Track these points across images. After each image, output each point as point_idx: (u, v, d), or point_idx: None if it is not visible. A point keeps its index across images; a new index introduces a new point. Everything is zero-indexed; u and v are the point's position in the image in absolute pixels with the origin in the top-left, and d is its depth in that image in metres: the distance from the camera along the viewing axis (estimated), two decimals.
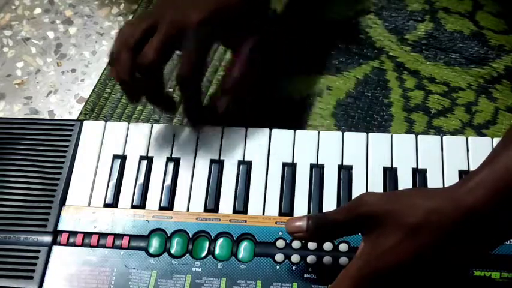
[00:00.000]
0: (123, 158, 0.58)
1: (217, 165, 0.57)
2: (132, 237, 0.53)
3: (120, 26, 0.73)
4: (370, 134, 0.57)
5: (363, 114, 0.64)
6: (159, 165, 0.57)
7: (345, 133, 0.58)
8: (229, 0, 0.55)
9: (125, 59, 0.54)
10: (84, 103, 0.67)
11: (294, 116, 0.64)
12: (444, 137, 0.57)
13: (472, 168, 0.54)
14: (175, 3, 0.56)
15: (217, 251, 0.52)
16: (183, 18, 0.54)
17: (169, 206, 0.55)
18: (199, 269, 0.51)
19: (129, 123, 0.60)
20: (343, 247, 0.51)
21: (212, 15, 0.54)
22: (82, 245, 0.53)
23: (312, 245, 0.52)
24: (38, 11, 0.75)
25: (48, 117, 0.67)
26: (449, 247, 0.42)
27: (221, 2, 0.55)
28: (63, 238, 0.53)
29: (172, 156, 0.58)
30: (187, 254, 0.52)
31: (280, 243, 0.52)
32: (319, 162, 0.56)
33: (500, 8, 0.70)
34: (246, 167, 0.56)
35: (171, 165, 0.57)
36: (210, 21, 0.54)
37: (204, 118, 0.59)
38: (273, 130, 0.58)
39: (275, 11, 0.68)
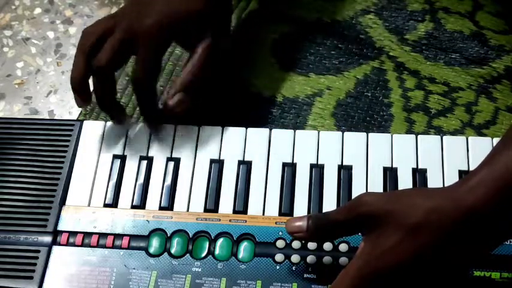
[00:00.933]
0: (123, 158, 0.58)
1: (217, 165, 0.57)
2: (132, 237, 0.53)
3: None
4: (370, 134, 0.57)
5: (363, 114, 0.64)
6: (159, 165, 0.57)
7: (345, 133, 0.58)
8: (183, 5, 0.56)
9: (78, 62, 0.56)
10: None
11: (296, 116, 0.64)
12: (444, 137, 0.57)
13: (472, 168, 0.53)
14: (132, 9, 0.57)
15: (217, 251, 0.52)
16: (137, 23, 0.55)
17: (169, 206, 0.55)
18: (199, 269, 0.51)
19: (128, 124, 0.60)
20: (343, 247, 0.51)
21: (166, 21, 0.55)
22: (82, 245, 0.53)
23: (312, 245, 0.52)
24: (38, 11, 0.75)
25: (48, 117, 0.67)
26: (450, 247, 0.42)
27: (173, 6, 0.56)
28: (63, 238, 0.53)
29: (172, 156, 0.58)
30: (187, 254, 0.52)
31: (280, 243, 0.52)
32: (319, 162, 0.56)
33: (500, 8, 0.70)
34: (246, 167, 0.56)
35: (171, 165, 0.57)
36: (163, 26, 0.55)
37: (160, 118, 0.59)
38: (273, 130, 0.58)
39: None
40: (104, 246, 0.53)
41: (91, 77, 0.56)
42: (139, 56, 0.55)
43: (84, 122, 0.60)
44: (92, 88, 0.57)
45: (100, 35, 0.56)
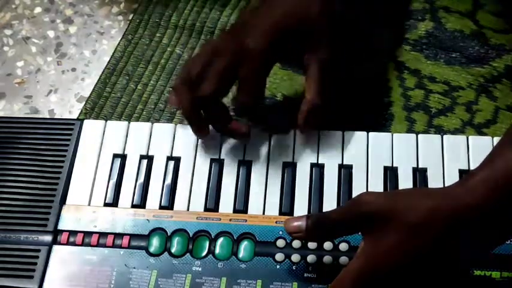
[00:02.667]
0: (123, 157, 0.58)
1: (218, 164, 0.57)
2: (133, 236, 0.53)
3: (121, 26, 0.73)
4: (370, 133, 0.57)
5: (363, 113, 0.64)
6: (159, 164, 0.57)
7: (345, 132, 0.58)
8: (288, 18, 0.54)
9: (184, 96, 0.54)
10: (84, 102, 0.67)
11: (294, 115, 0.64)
12: (444, 136, 0.57)
13: (472, 168, 0.54)
14: (237, 31, 0.55)
15: (217, 251, 0.52)
16: (240, 45, 0.53)
17: (170, 206, 0.55)
18: (200, 269, 0.51)
19: (129, 123, 0.60)
20: (343, 246, 0.51)
21: (268, 35, 0.53)
22: (82, 244, 0.53)
23: (312, 245, 0.52)
24: (38, 10, 0.75)
25: (48, 117, 0.67)
26: (450, 247, 0.42)
27: (278, 21, 0.54)
28: (63, 237, 0.53)
29: (173, 155, 0.58)
30: (188, 254, 0.52)
31: (280, 243, 0.52)
32: (320, 162, 0.56)
33: (500, 7, 0.70)
34: (246, 166, 0.56)
35: (171, 164, 0.57)
36: (265, 42, 0.53)
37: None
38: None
39: None
40: (104, 246, 0.53)
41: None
42: (244, 78, 0.54)
43: (85, 121, 0.60)
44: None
45: (204, 65, 0.54)
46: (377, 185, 0.55)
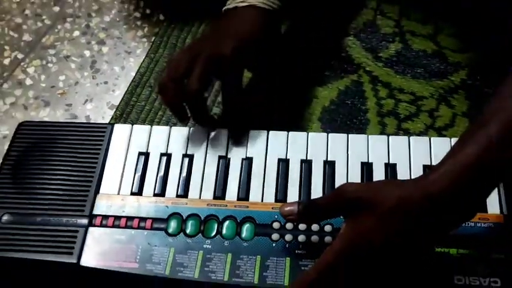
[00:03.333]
0: (146, 155, 0.58)
1: (224, 160, 0.57)
2: (154, 220, 0.53)
3: (144, 46, 0.73)
4: (350, 135, 0.57)
5: (344, 118, 0.64)
6: (176, 160, 0.57)
7: (329, 134, 0.57)
8: (251, 33, 0.56)
9: (173, 89, 0.54)
10: (114, 109, 0.67)
11: (288, 120, 0.64)
12: (411, 138, 0.57)
13: (434, 163, 0.53)
14: (210, 39, 0.56)
15: (224, 231, 0.52)
16: (219, 49, 0.54)
17: (185, 194, 0.55)
18: (210, 246, 0.51)
19: (151, 126, 0.60)
20: (328, 228, 0.51)
21: (241, 45, 0.55)
22: (113, 226, 0.53)
23: (302, 226, 0.52)
24: (76, 33, 0.75)
25: (85, 121, 0.67)
26: (417, 229, 0.42)
27: (245, 35, 0.56)
28: (97, 221, 0.53)
29: (187, 153, 0.57)
30: (200, 234, 0.52)
31: (276, 225, 0.52)
32: (308, 158, 0.56)
33: (457, 30, 0.70)
34: (248, 162, 0.56)
35: (186, 161, 0.57)
36: (240, 50, 0.55)
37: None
38: (270, 132, 0.58)
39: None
40: (131, 227, 0.53)
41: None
42: (228, 78, 0.55)
43: (115, 125, 0.60)
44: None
45: (187, 65, 0.54)
46: (355, 177, 0.55)
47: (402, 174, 0.54)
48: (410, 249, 0.43)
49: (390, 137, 0.57)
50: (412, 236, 0.42)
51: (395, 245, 0.43)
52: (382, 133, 0.62)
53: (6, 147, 0.60)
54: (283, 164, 0.56)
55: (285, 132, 0.58)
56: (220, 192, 0.55)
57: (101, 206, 0.54)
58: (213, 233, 0.52)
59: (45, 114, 0.68)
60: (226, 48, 0.54)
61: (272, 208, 0.53)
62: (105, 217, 0.53)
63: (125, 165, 0.57)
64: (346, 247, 0.43)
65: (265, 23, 0.57)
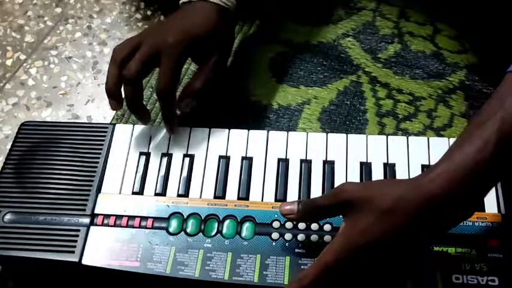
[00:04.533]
0: (147, 155, 0.58)
1: (225, 160, 0.57)
2: (155, 219, 0.53)
3: None
4: (349, 135, 0.57)
5: (343, 118, 0.64)
6: (177, 160, 0.57)
7: (329, 134, 0.57)
8: (199, 27, 0.56)
9: (112, 73, 0.55)
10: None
11: (288, 121, 0.64)
12: (409, 138, 0.57)
13: (432, 163, 0.53)
14: (156, 29, 0.57)
15: (224, 230, 0.52)
16: (161, 40, 0.55)
17: (186, 194, 0.55)
18: (210, 245, 0.51)
19: (152, 126, 0.60)
20: (327, 227, 0.51)
21: (184, 39, 0.55)
22: (114, 225, 0.53)
23: (301, 225, 0.52)
24: (78, 34, 0.75)
25: (86, 121, 0.67)
26: (414, 228, 0.42)
27: (190, 29, 0.56)
28: (99, 220, 0.53)
29: (188, 152, 0.58)
30: (200, 233, 0.52)
31: (275, 224, 0.52)
32: (308, 158, 0.56)
33: (455, 32, 0.70)
34: (248, 161, 0.56)
35: (187, 160, 0.57)
36: (182, 44, 0.55)
37: (177, 121, 0.59)
38: (270, 131, 0.58)
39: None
40: (132, 227, 0.53)
41: (122, 85, 0.56)
42: (163, 68, 0.55)
43: (116, 125, 0.60)
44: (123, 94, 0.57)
45: (129, 51, 0.56)
46: (354, 177, 0.55)
47: (401, 174, 0.54)
48: (408, 248, 0.43)
49: (389, 137, 0.57)
50: (410, 234, 0.42)
51: (393, 243, 0.43)
52: (380, 133, 0.62)
53: (8, 146, 0.60)
54: (283, 164, 0.56)
55: (285, 132, 0.58)
56: (220, 191, 0.55)
57: (103, 205, 0.54)
58: (214, 232, 0.52)
59: (47, 115, 0.68)
60: (169, 39, 0.55)
61: (272, 207, 0.53)
62: (107, 216, 0.53)
63: (126, 165, 0.57)
64: (345, 245, 0.43)
65: (216, 19, 0.57)
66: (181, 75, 0.63)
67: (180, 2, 0.59)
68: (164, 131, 0.59)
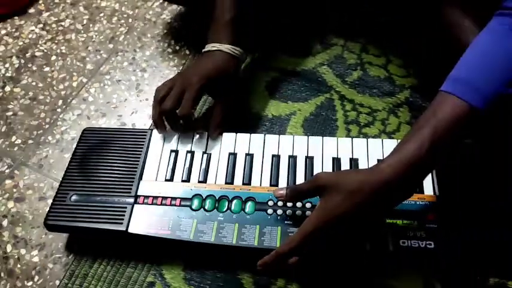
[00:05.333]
0: (176, 152, 0.58)
1: (233, 156, 0.57)
2: (182, 199, 0.53)
3: (175, 73, 0.73)
4: (324, 138, 0.57)
5: (320, 125, 0.64)
6: (198, 156, 0.57)
7: (309, 137, 0.58)
8: (215, 70, 0.56)
9: (155, 108, 0.56)
10: None
11: (280, 127, 0.64)
12: (369, 139, 0.57)
13: None
14: (183, 74, 0.57)
15: (232, 207, 0.52)
16: (186, 81, 0.56)
17: (204, 180, 0.55)
18: (222, 218, 0.51)
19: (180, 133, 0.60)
20: (308, 205, 0.52)
21: (201, 79, 0.55)
22: (152, 203, 0.53)
23: (289, 204, 0.52)
24: (125, 64, 0.76)
25: (131, 128, 0.68)
26: (371, 204, 0.42)
27: (206, 73, 0.56)
28: (140, 199, 0.53)
29: (206, 151, 0.58)
30: (215, 209, 0.52)
31: (270, 203, 0.52)
32: (294, 154, 0.56)
33: (402, 62, 0.70)
34: (250, 157, 0.56)
35: (205, 156, 0.57)
36: (199, 82, 0.55)
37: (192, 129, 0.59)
38: (266, 135, 0.58)
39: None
40: (165, 205, 0.53)
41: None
42: (185, 99, 0.55)
43: (154, 130, 0.60)
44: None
45: (166, 91, 0.56)
46: (328, 168, 0.55)
47: (362, 166, 0.55)
48: (366, 219, 0.44)
49: (353, 139, 0.57)
50: (367, 209, 0.42)
51: (355, 216, 0.43)
52: (347, 136, 0.62)
53: (74, 146, 0.60)
54: (276, 159, 0.56)
55: (277, 136, 0.58)
56: (230, 178, 0.55)
57: (143, 189, 0.54)
58: (225, 209, 0.52)
59: (102, 122, 0.68)
60: (191, 80, 0.55)
61: (268, 190, 0.53)
62: (146, 197, 0.54)
63: (160, 159, 0.57)
64: (320, 218, 0.43)
65: (227, 65, 0.57)
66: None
67: (203, 50, 0.59)
68: (188, 134, 0.59)
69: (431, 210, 0.50)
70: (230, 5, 0.58)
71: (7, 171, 0.64)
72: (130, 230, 0.51)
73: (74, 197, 0.54)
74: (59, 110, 0.70)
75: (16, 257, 0.56)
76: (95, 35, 0.79)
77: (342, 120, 0.64)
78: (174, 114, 0.56)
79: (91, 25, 0.80)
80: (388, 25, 0.72)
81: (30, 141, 0.67)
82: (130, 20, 0.81)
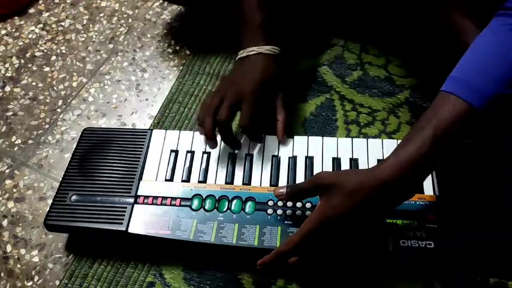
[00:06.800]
0: (176, 152, 0.58)
1: (232, 156, 0.57)
2: (182, 199, 0.53)
3: (175, 73, 0.73)
4: (324, 138, 0.57)
5: (320, 125, 0.64)
6: (198, 156, 0.57)
7: (310, 137, 0.58)
8: (264, 74, 0.55)
9: (208, 121, 0.53)
10: (153, 119, 0.67)
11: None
12: (368, 139, 0.57)
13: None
14: (231, 84, 0.55)
15: (232, 207, 0.52)
16: (240, 91, 0.54)
17: (204, 180, 0.55)
18: (222, 218, 0.51)
19: (180, 131, 0.60)
20: (308, 205, 0.51)
21: (255, 86, 0.54)
22: (152, 203, 0.53)
23: (289, 204, 0.52)
24: (125, 64, 0.76)
25: (131, 128, 0.68)
26: (370, 204, 0.42)
27: (258, 78, 0.54)
28: (140, 199, 0.53)
29: (206, 150, 0.58)
30: (215, 209, 0.52)
31: (270, 203, 0.52)
32: (294, 154, 0.56)
33: (402, 62, 0.70)
34: (250, 157, 0.56)
35: (205, 156, 0.57)
36: (255, 89, 0.54)
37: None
38: (267, 136, 0.58)
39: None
40: (165, 205, 0.53)
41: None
42: (244, 110, 0.53)
43: (153, 130, 0.60)
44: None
45: (217, 102, 0.54)
46: (328, 167, 0.55)
47: (362, 166, 0.55)
48: (365, 219, 0.44)
49: (353, 139, 0.57)
50: (366, 209, 0.42)
51: (354, 216, 0.43)
52: (347, 136, 0.62)
53: (74, 146, 0.60)
54: (276, 159, 0.56)
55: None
56: (230, 178, 0.55)
57: (143, 189, 0.54)
58: (225, 209, 0.52)
59: (102, 122, 0.68)
60: (245, 89, 0.53)
61: (268, 190, 0.53)
62: (146, 197, 0.54)
63: (160, 159, 0.57)
64: (320, 218, 0.43)
65: (272, 66, 0.56)
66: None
67: (238, 57, 0.57)
68: (188, 134, 0.59)
69: (432, 210, 0.50)
70: (258, 6, 0.56)
71: (7, 171, 0.64)
72: (130, 230, 0.51)
73: (74, 197, 0.54)
74: (59, 110, 0.70)
75: (16, 257, 0.56)
76: (95, 35, 0.79)
77: (342, 120, 0.64)
78: (230, 126, 0.54)
79: (91, 25, 0.80)
80: (388, 25, 0.72)
81: (30, 141, 0.67)
82: (130, 20, 0.81)
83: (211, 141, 0.55)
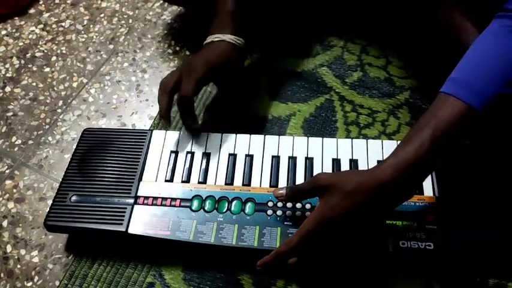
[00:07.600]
0: (176, 153, 0.58)
1: (233, 157, 0.57)
2: (182, 200, 0.53)
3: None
4: (324, 139, 0.57)
5: (320, 126, 0.64)
6: (198, 157, 0.57)
7: (309, 138, 0.58)
8: (220, 59, 0.56)
9: (164, 100, 0.55)
10: (153, 120, 0.67)
11: (279, 128, 0.64)
12: (368, 140, 0.57)
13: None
14: (190, 62, 0.57)
15: (232, 208, 0.52)
16: (194, 70, 0.55)
17: (204, 181, 0.55)
18: (222, 219, 0.51)
19: (180, 132, 0.60)
20: (307, 206, 0.52)
21: (206, 66, 0.55)
22: (152, 204, 0.53)
23: (289, 204, 0.52)
24: (125, 64, 0.76)
25: (131, 128, 0.68)
26: (369, 205, 0.42)
27: (211, 65, 0.56)
28: (140, 200, 0.54)
29: (206, 151, 0.58)
30: (215, 210, 0.52)
31: (270, 204, 0.52)
32: (294, 155, 0.56)
33: (402, 63, 0.70)
34: (250, 158, 0.57)
35: (205, 157, 0.57)
36: (204, 69, 0.55)
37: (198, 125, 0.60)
38: (266, 136, 0.58)
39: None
40: (165, 205, 0.53)
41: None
42: (190, 80, 0.55)
43: (153, 131, 0.60)
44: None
45: (176, 80, 0.55)
46: (328, 169, 0.55)
47: (362, 167, 0.55)
48: (363, 219, 0.44)
49: (353, 140, 0.57)
50: (365, 209, 0.42)
51: (353, 216, 0.43)
52: (347, 137, 0.62)
53: (74, 146, 0.60)
54: (275, 160, 0.56)
55: (277, 136, 0.58)
56: (230, 179, 0.55)
57: (143, 190, 0.54)
58: (225, 210, 0.52)
59: (102, 123, 0.68)
60: (198, 71, 0.55)
61: (268, 191, 0.53)
62: (146, 198, 0.54)
63: (160, 160, 0.57)
64: (319, 218, 0.43)
65: (230, 53, 0.57)
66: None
67: (204, 42, 0.59)
68: (188, 135, 0.59)
69: (431, 211, 0.50)
70: None
71: (7, 171, 0.64)
72: (130, 231, 0.51)
73: (73, 198, 0.54)
74: (59, 110, 0.70)
75: (16, 257, 0.56)
76: (95, 36, 0.79)
77: (341, 121, 0.64)
78: (192, 101, 0.56)
79: (91, 26, 0.80)
80: (386, 25, 0.72)
81: (30, 142, 0.67)
82: (130, 21, 0.81)
83: (165, 120, 0.56)
